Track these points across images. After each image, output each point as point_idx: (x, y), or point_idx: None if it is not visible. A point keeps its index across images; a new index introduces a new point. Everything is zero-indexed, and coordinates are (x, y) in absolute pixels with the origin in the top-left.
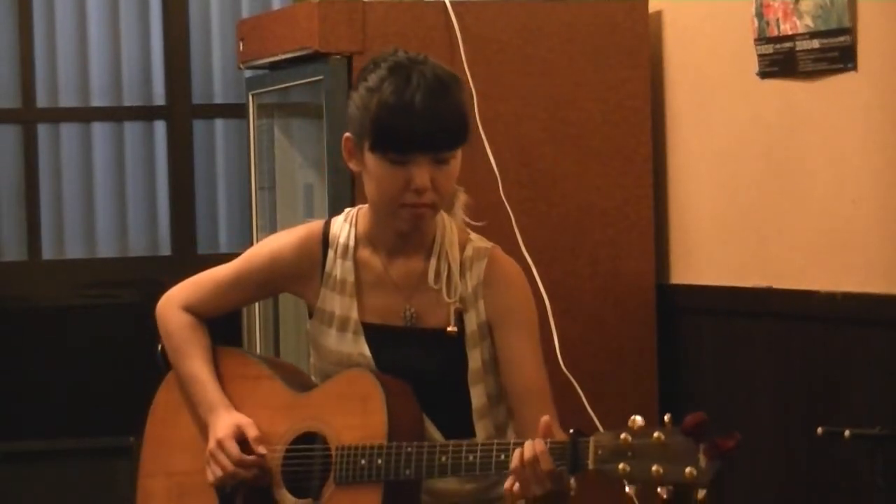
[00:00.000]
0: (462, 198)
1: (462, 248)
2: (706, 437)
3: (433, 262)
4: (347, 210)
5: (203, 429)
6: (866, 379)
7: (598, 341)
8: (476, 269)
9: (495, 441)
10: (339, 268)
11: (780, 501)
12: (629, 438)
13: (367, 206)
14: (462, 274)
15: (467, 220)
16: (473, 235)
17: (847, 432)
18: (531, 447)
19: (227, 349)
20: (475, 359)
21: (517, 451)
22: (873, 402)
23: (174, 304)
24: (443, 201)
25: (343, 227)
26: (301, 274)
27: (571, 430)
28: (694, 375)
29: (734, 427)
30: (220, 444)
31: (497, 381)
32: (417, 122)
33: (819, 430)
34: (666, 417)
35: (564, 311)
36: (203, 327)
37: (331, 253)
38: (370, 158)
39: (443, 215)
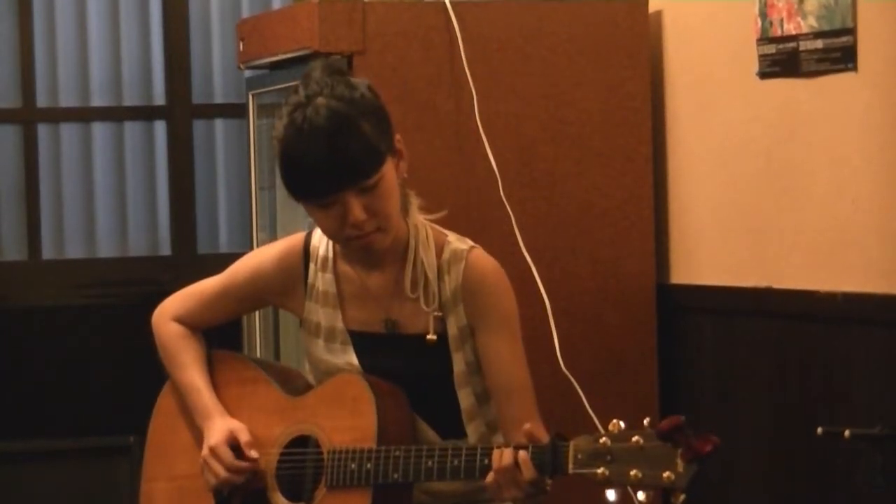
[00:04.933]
0: (415, 201)
1: (439, 252)
2: (683, 440)
3: (408, 270)
4: None
5: (200, 434)
6: (866, 379)
7: (598, 341)
8: (454, 273)
9: (479, 446)
10: (320, 280)
11: (780, 501)
12: (608, 443)
13: None
14: (440, 278)
15: (426, 216)
16: (452, 236)
17: (847, 432)
18: (509, 456)
19: (224, 353)
20: (459, 362)
21: (495, 456)
22: (873, 402)
23: (166, 316)
24: (388, 222)
25: (322, 239)
26: (284, 288)
27: (553, 434)
28: (694, 375)
29: (734, 427)
30: (212, 450)
31: (483, 381)
32: (319, 169)
33: (819, 430)
34: (645, 421)
35: (564, 311)
36: (195, 335)
37: (312, 265)
38: (303, 205)
39: (416, 220)
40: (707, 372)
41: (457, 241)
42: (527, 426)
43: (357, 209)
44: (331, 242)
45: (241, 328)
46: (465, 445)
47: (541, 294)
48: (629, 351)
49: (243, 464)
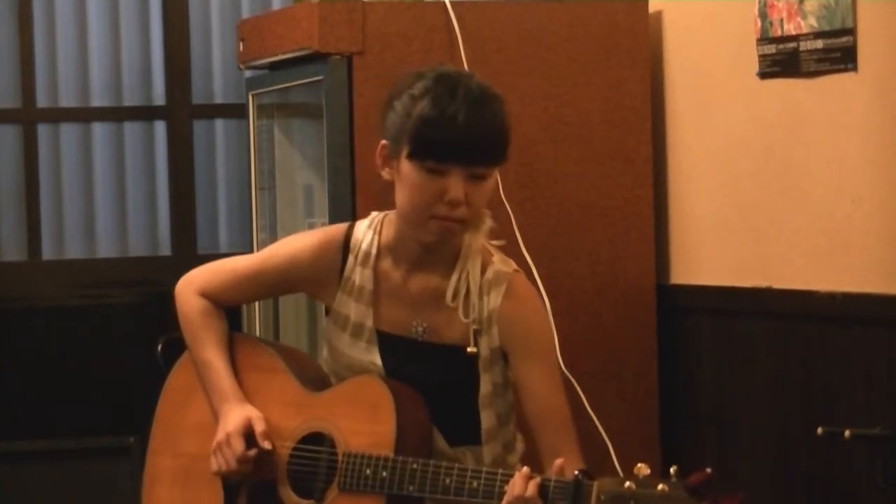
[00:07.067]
0: (488, 222)
1: (483, 271)
2: (710, 495)
3: (454, 279)
4: (374, 215)
5: (214, 415)
6: (866, 379)
7: (598, 341)
8: (494, 295)
9: (500, 471)
10: (358, 274)
11: (780, 501)
12: (633, 487)
13: (394, 213)
14: (480, 296)
15: (486, 243)
16: (496, 258)
17: (847, 432)
18: (521, 485)
19: (244, 336)
20: (486, 383)
21: (510, 483)
22: (873, 402)
23: (192, 288)
24: (473, 219)
25: (367, 233)
26: (318, 278)
27: (577, 471)
28: (694, 375)
29: (733, 427)
30: (227, 437)
31: (506, 402)
32: (459, 131)
33: (819, 430)
34: (672, 469)
35: (564, 311)
36: (219, 313)
37: (351, 258)
38: (406, 166)
39: (469, 235)
40: (707, 372)
41: (500, 263)
42: (558, 461)
43: (461, 189)
44: (375, 238)
45: (240, 312)
46: (486, 469)
47: (541, 294)
48: (629, 351)
49: (254, 454)
